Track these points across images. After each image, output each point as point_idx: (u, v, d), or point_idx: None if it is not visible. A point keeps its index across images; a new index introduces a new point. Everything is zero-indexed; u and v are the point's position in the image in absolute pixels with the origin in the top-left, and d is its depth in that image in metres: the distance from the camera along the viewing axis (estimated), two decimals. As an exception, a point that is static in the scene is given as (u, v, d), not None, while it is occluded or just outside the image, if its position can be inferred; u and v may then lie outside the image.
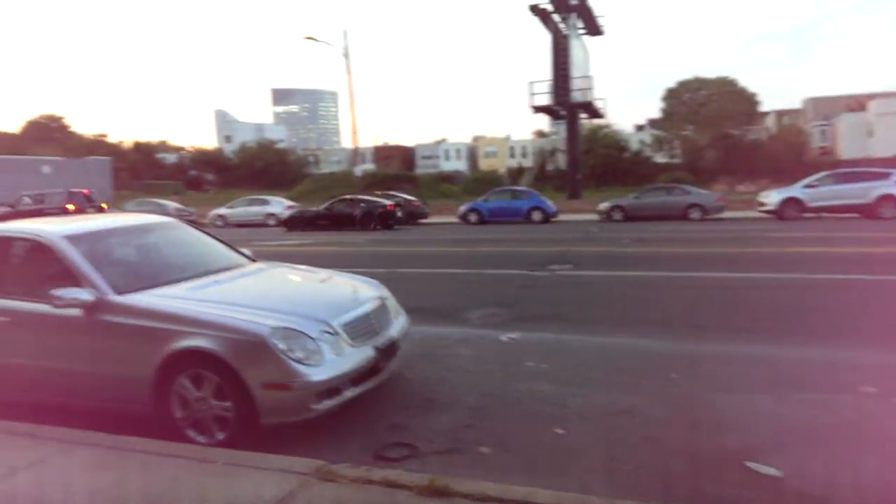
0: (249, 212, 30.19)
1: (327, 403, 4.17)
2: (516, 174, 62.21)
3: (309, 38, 32.25)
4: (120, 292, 4.42)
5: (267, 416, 4.00)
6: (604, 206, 25.82)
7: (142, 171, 74.61)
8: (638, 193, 26.18)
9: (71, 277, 4.48)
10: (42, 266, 4.73)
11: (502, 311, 8.23)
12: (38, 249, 4.75)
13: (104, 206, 30.44)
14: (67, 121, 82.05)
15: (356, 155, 37.71)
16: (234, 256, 5.77)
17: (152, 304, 4.31)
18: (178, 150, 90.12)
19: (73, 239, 4.73)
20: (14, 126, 79.39)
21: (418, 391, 5.21)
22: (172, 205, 33.82)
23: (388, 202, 25.76)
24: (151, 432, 4.08)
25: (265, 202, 30.89)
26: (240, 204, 31.11)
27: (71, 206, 27.99)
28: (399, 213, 25.77)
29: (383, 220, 24.80)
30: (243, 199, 32.26)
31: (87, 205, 28.93)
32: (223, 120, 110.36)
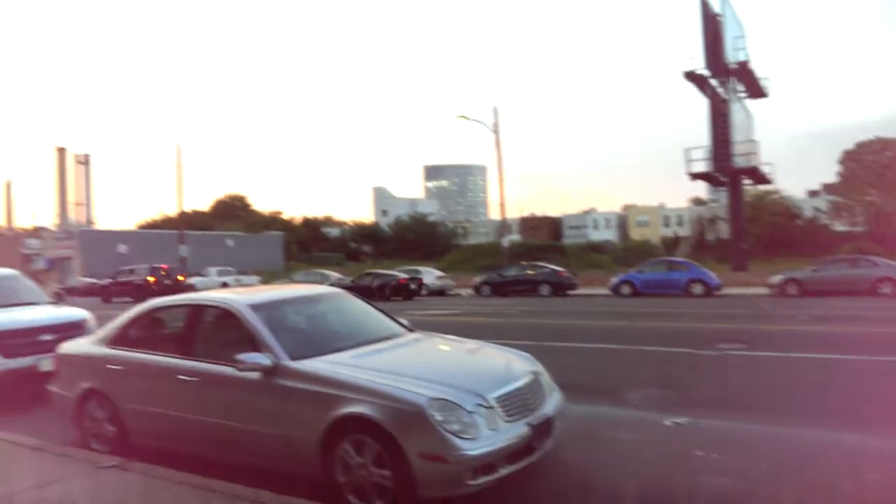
0: (404, 282, 31.48)
1: (482, 479, 4.10)
2: (672, 244, 59.54)
3: (461, 116, 33.98)
4: (294, 358, 4.76)
5: (424, 488, 4.01)
6: (776, 278, 23.74)
7: (309, 244, 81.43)
8: (816, 266, 23.83)
9: (252, 343, 4.91)
10: (230, 332, 5.24)
11: (666, 392, 7.71)
12: (227, 316, 5.28)
13: (181, 278, 34.75)
14: (249, 199, 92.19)
15: (504, 226, 38.33)
16: (393, 326, 6.01)
17: (322, 370, 4.58)
18: (340, 224, 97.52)
19: (256, 307, 5.21)
20: (205, 205, 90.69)
21: (573, 475, 4.97)
22: (334, 275, 36.32)
23: (401, 276, 29.57)
24: (315, 495, 4.25)
25: (416, 273, 32.16)
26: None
27: (151, 279, 32.96)
28: (413, 286, 29.09)
29: (398, 291, 28.35)
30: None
31: (164, 278, 33.18)
32: (380, 196, 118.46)
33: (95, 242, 62.06)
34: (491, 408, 4.31)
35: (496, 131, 34.96)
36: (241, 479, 4.56)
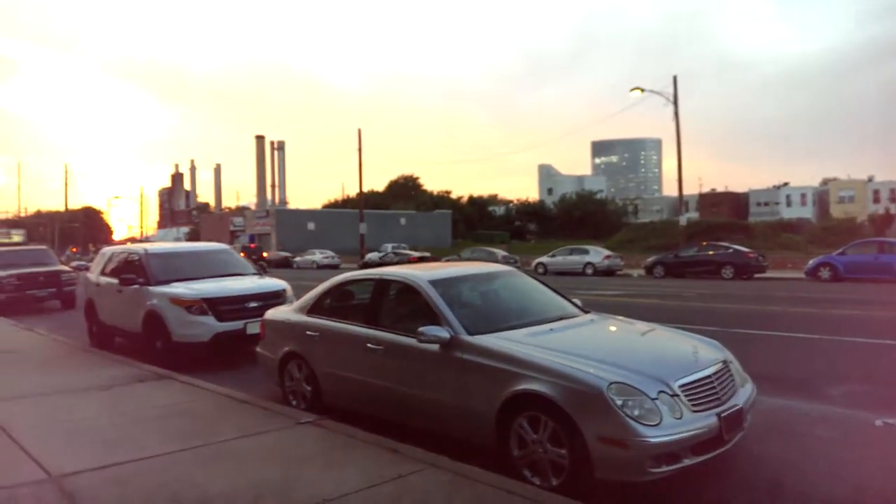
0: (569, 261, 31.05)
1: (664, 468, 3.93)
2: (883, 222, 52.17)
3: (636, 88, 32.32)
4: (470, 333, 4.89)
5: (602, 470, 3.94)
6: None
7: (475, 223, 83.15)
8: None
9: (433, 316, 5.12)
10: (412, 305, 5.51)
11: (875, 389, 6.83)
12: (409, 291, 5.57)
13: (265, 254, 35.84)
14: (420, 180, 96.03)
15: (680, 203, 36.06)
16: (567, 306, 5.94)
17: (498, 346, 4.66)
18: (506, 203, 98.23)
19: (436, 283, 5.42)
20: (381, 185, 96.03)
21: (764, 472, 4.59)
22: (500, 252, 36.78)
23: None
24: (487, 465, 4.36)
25: (584, 251, 31.48)
26: (561, 253, 32.24)
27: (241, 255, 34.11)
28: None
29: None
30: (564, 248, 33.36)
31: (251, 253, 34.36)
32: (546, 173, 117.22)
33: (288, 220, 68.66)
34: (675, 395, 4.10)
35: (675, 102, 32.86)
36: (422, 444, 4.82)
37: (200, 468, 4.54)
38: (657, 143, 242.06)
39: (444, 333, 4.87)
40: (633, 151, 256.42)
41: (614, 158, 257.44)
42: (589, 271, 29.84)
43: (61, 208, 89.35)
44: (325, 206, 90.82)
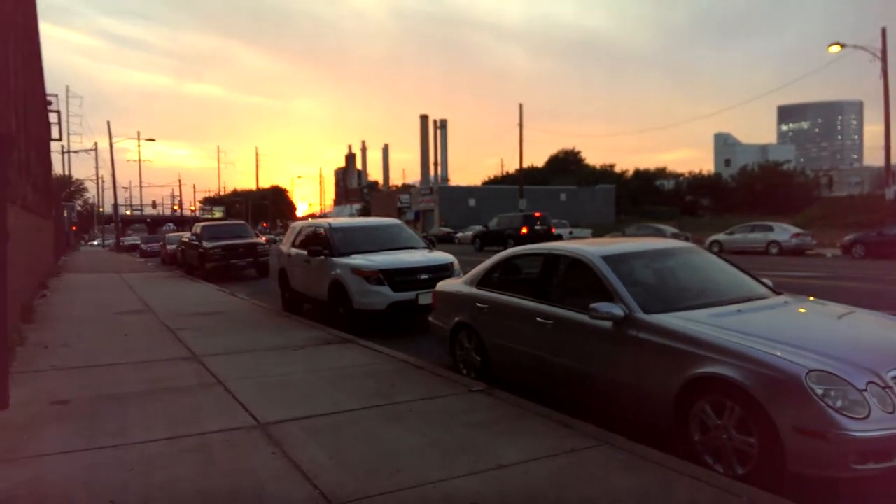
0: (749, 238, 28.59)
1: (871, 466, 3.55)
2: None
3: (835, 44, 28.66)
4: (646, 311, 4.73)
5: (797, 463, 3.65)
6: None
7: (640, 198, 79.37)
8: None
9: (605, 293, 5.02)
10: (582, 281, 5.45)
11: None
12: (580, 266, 5.50)
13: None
14: (582, 154, 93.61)
15: (888, 174, 31.60)
16: (754, 286, 5.52)
17: (677, 326, 4.46)
18: (675, 176, 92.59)
19: (609, 259, 5.30)
20: (540, 161, 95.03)
21: None
22: (670, 229, 34.82)
23: None
24: (662, 446, 4.23)
25: (769, 228, 28.77)
26: (740, 230, 29.78)
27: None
28: None
29: None
30: (744, 224, 30.75)
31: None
32: (723, 143, 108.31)
33: (450, 197, 70.58)
34: (888, 388, 3.67)
35: (883, 57, 28.68)
36: (588, 421, 4.79)
37: (386, 425, 4.91)
38: (857, 106, 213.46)
39: (617, 311, 4.76)
40: (827, 116, 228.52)
41: (804, 125, 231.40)
42: (773, 250, 27.24)
43: (253, 187, 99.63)
44: (485, 183, 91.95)
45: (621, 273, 5.17)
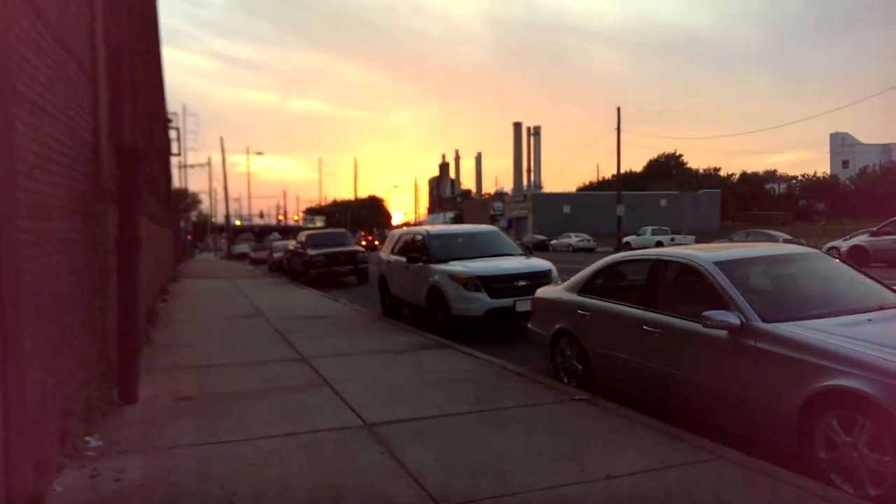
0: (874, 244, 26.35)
1: None
2: None
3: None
4: (765, 320, 4.47)
5: (942, 487, 3.32)
6: None
7: (748, 202, 75.26)
8: None
9: (718, 300, 4.79)
10: (693, 288, 5.22)
11: None
12: (691, 273, 5.27)
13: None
14: (684, 157, 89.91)
15: None
16: (887, 294, 5.07)
17: (800, 336, 4.18)
18: (787, 179, 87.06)
19: (723, 265, 5.05)
20: (638, 166, 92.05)
21: None
22: (782, 235, 32.76)
23: None
24: (779, 463, 3.97)
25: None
26: (859, 235, 27.51)
27: None
28: None
29: None
30: (865, 230, 28.41)
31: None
32: (840, 143, 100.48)
33: (544, 204, 69.92)
34: None
35: None
36: (703, 434, 4.57)
37: (489, 430, 4.91)
38: None
39: (733, 319, 4.53)
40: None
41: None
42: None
43: (351, 197, 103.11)
44: (580, 189, 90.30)
45: (736, 279, 4.91)
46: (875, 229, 23.85)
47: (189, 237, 68.37)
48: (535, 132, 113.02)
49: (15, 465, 3.24)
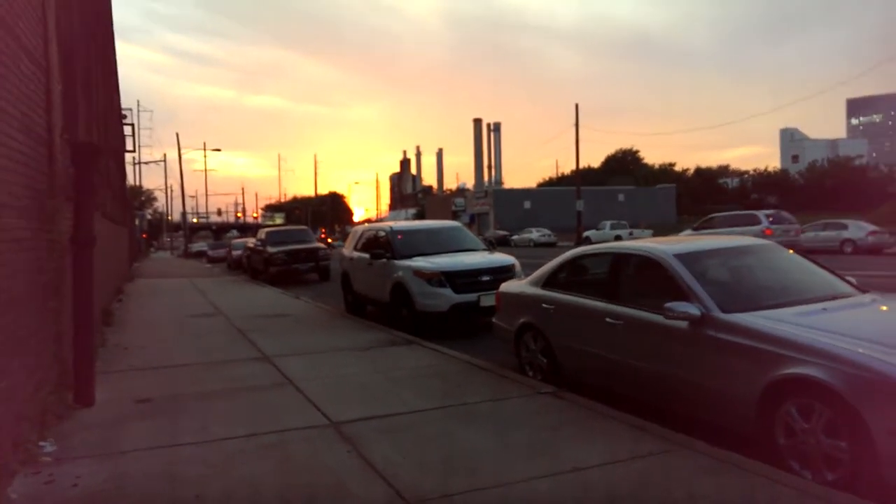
0: (821, 237, 27.33)
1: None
2: None
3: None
4: (724, 310, 4.58)
5: (891, 468, 3.46)
6: None
7: (703, 197, 77.13)
8: None
9: (679, 292, 4.89)
10: (654, 280, 5.32)
11: None
12: (651, 265, 5.37)
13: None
14: (641, 154, 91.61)
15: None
16: (839, 284, 5.27)
17: (759, 325, 4.30)
18: (739, 174, 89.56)
19: (682, 257, 5.16)
20: (596, 161, 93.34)
21: None
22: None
23: None
24: (741, 451, 4.08)
25: (842, 226, 27.44)
26: (812, 228, 28.52)
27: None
28: None
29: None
30: (816, 223, 29.44)
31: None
32: (790, 138, 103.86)
33: (505, 200, 70.36)
34: None
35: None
36: (669, 424, 4.67)
37: (457, 425, 4.92)
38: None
39: (693, 310, 4.63)
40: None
41: (876, 118, 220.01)
42: (848, 249, 25.95)
43: (312, 193, 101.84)
44: (540, 185, 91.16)
45: (695, 271, 5.02)
46: (696, 225, 25.59)
47: (144, 236, 66.55)
48: (496, 128, 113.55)
49: (-35, 474, 3.10)
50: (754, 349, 4.21)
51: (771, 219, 24.20)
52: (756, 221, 23.77)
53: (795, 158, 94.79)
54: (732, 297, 4.82)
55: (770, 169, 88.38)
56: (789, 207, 66.57)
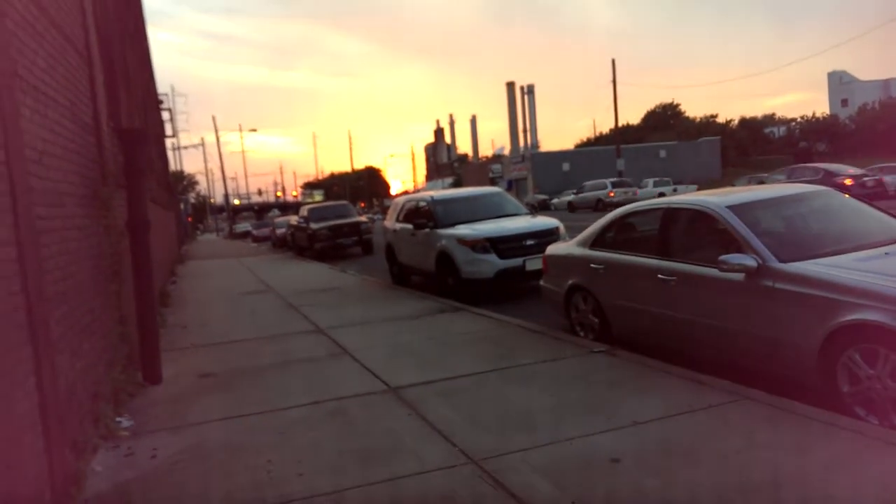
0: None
1: None
2: None
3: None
4: (782, 260, 4.47)
5: (968, 412, 3.37)
6: None
7: (748, 148, 74.73)
8: None
9: (733, 244, 4.79)
10: (706, 233, 5.23)
11: None
12: (703, 219, 5.27)
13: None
14: (681, 107, 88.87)
15: None
16: (901, 226, 5.07)
17: (817, 273, 4.19)
18: (786, 122, 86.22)
19: (735, 208, 5.04)
20: (636, 118, 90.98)
21: None
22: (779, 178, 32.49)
23: None
24: (810, 398, 4.02)
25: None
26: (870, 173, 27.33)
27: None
28: None
29: None
30: (870, 168, 28.22)
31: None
32: (838, 81, 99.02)
33: (543, 163, 69.43)
34: None
35: None
36: (726, 377, 4.62)
37: (511, 386, 4.98)
38: None
39: (750, 261, 4.53)
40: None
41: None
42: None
43: (348, 169, 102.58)
44: (578, 146, 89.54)
45: (749, 222, 4.90)
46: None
47: (189, 219, 68.28)
48: (529, 91, 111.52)
49: (55, 448, 3.31)
50: (814, 297, 4.11)
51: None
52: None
53: (845, 102, 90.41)
54: (788, 246, 4.70)
55: (818, 115, 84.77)
56: (840, 154, 64.00)
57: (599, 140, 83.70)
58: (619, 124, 49.13)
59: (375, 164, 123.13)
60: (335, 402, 4.96)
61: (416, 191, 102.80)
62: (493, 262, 9.68)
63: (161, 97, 27.19)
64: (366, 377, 5.63)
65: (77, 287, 4.30)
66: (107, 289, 5.45)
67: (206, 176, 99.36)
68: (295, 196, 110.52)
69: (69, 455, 3.59)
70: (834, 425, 3.62)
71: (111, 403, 4.98)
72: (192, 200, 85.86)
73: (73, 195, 4.47)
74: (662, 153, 69.26)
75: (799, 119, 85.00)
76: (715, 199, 5.34)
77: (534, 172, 68.29)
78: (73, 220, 4.39)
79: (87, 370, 4.33)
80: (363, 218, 24.52)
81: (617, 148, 46.99)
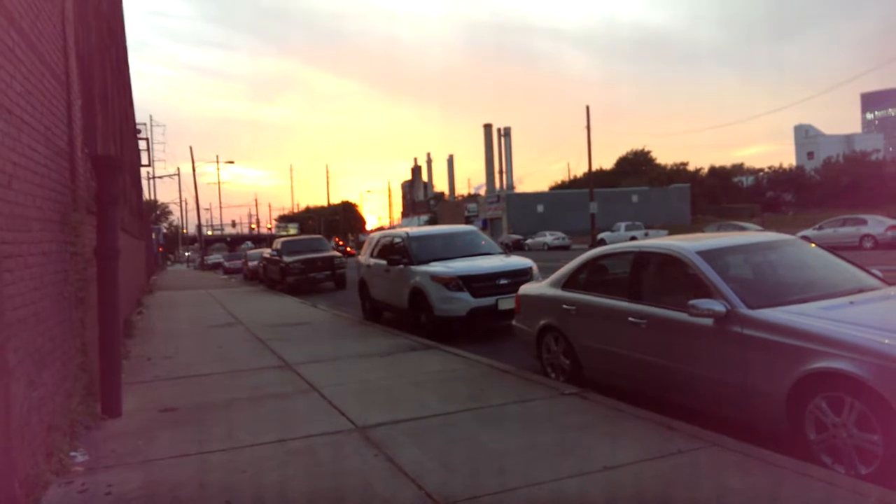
0: (840, 233, 27.01)
1: None
2: None
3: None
4: (750, 306, 4.54)
5: (930, 462, 3.41)
6: None
7: (718, 196, 76.60)
8: None
9: (702, 289, 4.86)
10: (677, 278, 5.30)
11: None
12: (674, 263, 5.35)
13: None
14: (652, 154, 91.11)
15: None
16: (865, 277, 5.21)
17: (786, 320, 4.26)
18: (754, 172, 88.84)
19: (705, 254, 5.13)
20: (608, 163, 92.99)
21: None
22: (752, 227, 33.39)
23: None
24: (777, 448, 4.04)
25: (862, 222, 27.09)
26: (830, 224, 28.22)
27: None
28: None
29: None
30: (834, 219, 29.12)
31: None
32: (804, 135, 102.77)
33: (518, 204, 70.22)
34: None
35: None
36: (696, 422, 4.63)
37: (481, 427, 4.91)
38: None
39: (719, 307, 4.60)
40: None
41: (892, 112, 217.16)
42: (868, 244, 25.61)
43: (324, 203, 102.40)
44: (552, 188, 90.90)
45: (718, 268, 4.99)
46: None
47: (161, 249, 67.20)
48: (506, 133, 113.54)
49: (2, 481, 3.15)
50: (781, 344, 4.17)
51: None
52: None
53: (811, 155, 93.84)
54: (757, 293, 4.79)
55: (785, 166, 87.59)
56: (805, 204, 66.00)
57: (574, 183, 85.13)
58: (593, 168, 50.08)
59: (352, 200, 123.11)
60: (301, 440, 4.84)
61: (392, 227, 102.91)
62: (466, 301, 9.67)
63: (139, 126, 27.03)
64: (333, 415, 5.51)
65: (38, 313, 4.17)
66: (70, 316, 5.30)
67: (181, 205, 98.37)
68: (269, 228, 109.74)
69: (18, 490, 3.42)
70: (805, 475, 3.63)
71: (67, 436, 4.78)
72: (165, 230, 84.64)
73: (41, 220, 4.37)
74: (635, 198, 70.65)
75: (766, 169, 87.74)
76: (685, 244, 5.44)
77: (509, 213, 68.96)
78: (39, 246, 4.29)
79: (43, 400, 4.17)
80: (338, 252, 24.40)
81: (590, 192, 47.78)
